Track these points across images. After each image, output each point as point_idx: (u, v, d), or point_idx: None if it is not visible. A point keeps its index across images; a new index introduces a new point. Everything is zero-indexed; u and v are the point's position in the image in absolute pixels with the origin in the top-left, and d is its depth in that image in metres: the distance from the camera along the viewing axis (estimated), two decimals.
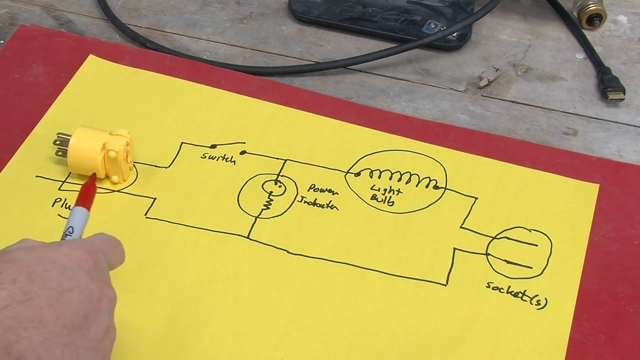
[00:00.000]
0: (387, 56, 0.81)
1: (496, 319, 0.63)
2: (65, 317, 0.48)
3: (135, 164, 0.72)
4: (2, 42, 0.83)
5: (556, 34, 0.86)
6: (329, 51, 0.84)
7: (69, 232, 0.59)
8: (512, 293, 0.64)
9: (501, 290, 0.65)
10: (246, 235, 0.68)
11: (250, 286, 0.65)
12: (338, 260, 0.66)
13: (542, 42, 0.85)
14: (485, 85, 0.81)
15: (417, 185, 0.71)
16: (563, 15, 0.87)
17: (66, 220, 0.61)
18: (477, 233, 0.68)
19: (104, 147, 0.69)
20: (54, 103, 0.77)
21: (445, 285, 0.65)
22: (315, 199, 0.70)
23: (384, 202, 0.70)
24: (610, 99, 0.79)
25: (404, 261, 0.66)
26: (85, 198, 0.61)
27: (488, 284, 0.65)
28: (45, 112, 0.76)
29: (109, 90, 0.78)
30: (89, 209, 0.61)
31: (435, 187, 0.71)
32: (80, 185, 0.68)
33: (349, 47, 0.84)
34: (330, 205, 0.70)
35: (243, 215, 0.69)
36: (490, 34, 0.86)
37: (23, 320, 0.47)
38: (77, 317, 0.49)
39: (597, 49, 0.83)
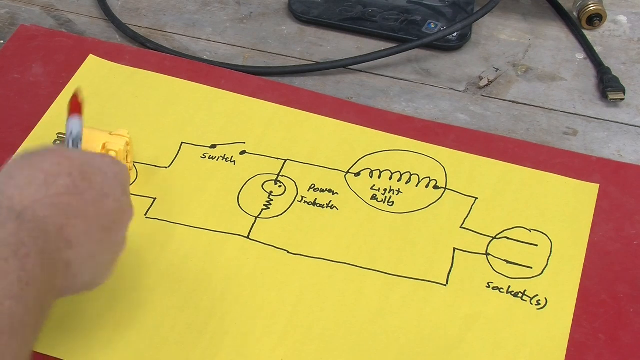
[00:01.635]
0: (387, 56, 0.81)
1: (496, 319, 0.63)
2: (101, 217, 0.54)
3: (135, 164, 0.72)
4: (2, 42, 0.83)
5: (556, 34, 0.86)
6: (329, 51, 0.84)
7: (75, 143, 0.62)
8: (512, 293, 0.64)
9: (501, 290, 0.65)
10: (246, 235, 0.68)
11: (250, 286, 0.65)
12: (338, 260, 0.66)
13: (542, 42, 0.85)
14: (485, 85, 0.81)
15: (417, 185, 0.71)
16: (563, 15, 0.87)
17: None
18: (477, 233, 0.68)
19: (104, 147, 0.69)
20: (54, 103, 0.77)
21: (445, 285, 0.65)
22: (315, 199, 0.70)
23: (384, 202, 0.70)
24: (610, 99, 0.79)
25: (404, 261, 0.66)
26: (78, 106, 0.63)
27: (488, 284, 0.65)
28: (45, 112, 0.76)
29: (109, 90, 0.78)
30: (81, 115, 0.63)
31: (435, 187, 0.71)
32: None
33: (349, 47, 0.84)
34: (330, 205, 0.70)
35: (243, 215, 0.69)
36: (490, 34, 0.85)
37: (74, 209, 0.52)
38: (108, 221, 0.55)
39: (597, 49, 0.83)
